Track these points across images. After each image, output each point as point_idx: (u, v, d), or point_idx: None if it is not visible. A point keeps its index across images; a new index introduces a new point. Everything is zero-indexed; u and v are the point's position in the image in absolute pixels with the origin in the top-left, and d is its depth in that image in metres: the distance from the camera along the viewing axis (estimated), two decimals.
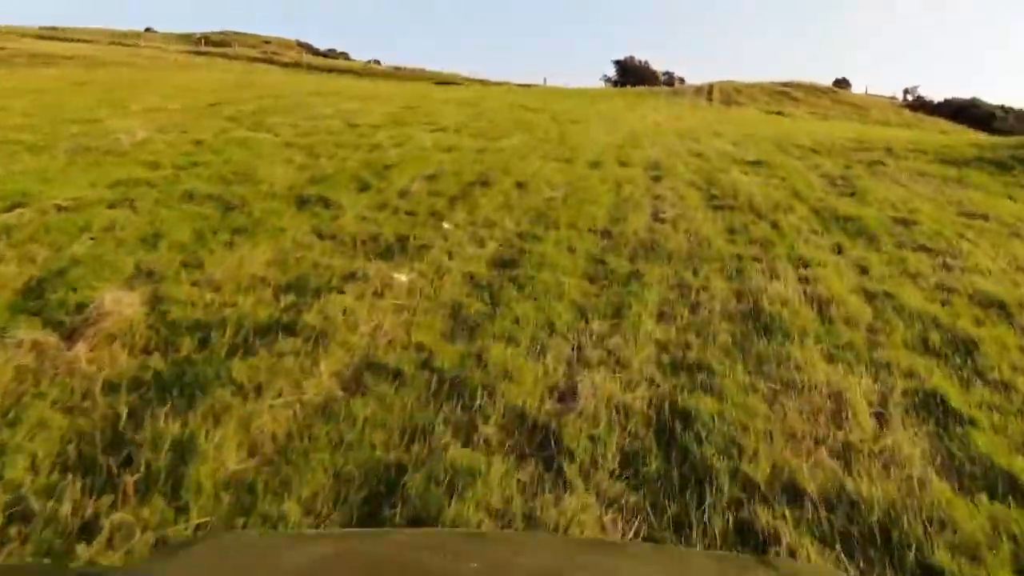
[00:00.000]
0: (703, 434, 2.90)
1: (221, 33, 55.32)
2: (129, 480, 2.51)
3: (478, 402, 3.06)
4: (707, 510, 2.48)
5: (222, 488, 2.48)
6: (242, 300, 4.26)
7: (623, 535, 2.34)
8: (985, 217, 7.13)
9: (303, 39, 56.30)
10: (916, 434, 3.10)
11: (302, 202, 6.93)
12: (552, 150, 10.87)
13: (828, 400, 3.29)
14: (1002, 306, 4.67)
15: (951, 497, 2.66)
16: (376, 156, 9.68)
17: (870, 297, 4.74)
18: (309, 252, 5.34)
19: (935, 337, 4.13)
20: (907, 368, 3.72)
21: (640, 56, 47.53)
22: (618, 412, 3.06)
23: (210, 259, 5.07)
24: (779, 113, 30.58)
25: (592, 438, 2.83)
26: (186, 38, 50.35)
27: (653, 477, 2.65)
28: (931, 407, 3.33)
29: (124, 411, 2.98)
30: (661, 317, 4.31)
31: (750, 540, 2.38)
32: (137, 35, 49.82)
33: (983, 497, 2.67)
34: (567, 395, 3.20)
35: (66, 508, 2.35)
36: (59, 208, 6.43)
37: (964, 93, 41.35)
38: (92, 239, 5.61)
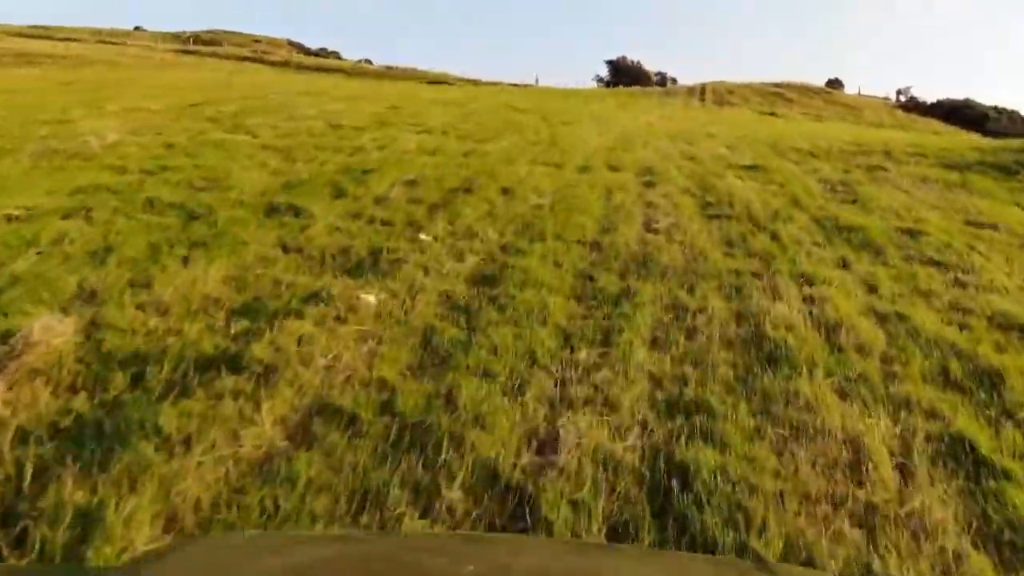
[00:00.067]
0: (704, 496, 2.49)
1: (211, 32, 54.72)
2: (18, 566, 2.08)
3: (443, 456, 2.64)
4: None
5: None
6: (188, 327, 3.82)
7: None
8: (994, 227, 6.76)
9: (296, 39, 55.67)
10: (946, 491, 2.70)
11: (271, 210, 6.49)
12: (541, 153, 10.46)
13: (844, 448, 2.89)
14: (1023, 330, 4.29)
15: None
16: (356, 159, 9.25)
17: (881, 319, 4.34)
18: (271, 268, 4.91)
19: (955, 367, 3.74)
20: (928, 406, 3.33)
21: (633, 56, 47.18)
22: (605, 468, 2.64)
23: (161, 277, 4.62)
24: (772, 114, 30.30)
25: (574, 504, 2.42)
26: (175, 37, 49.72)
27: None
28: (959, 456, 2.94)
29: (30, 469, 2.55)
30: (654, 344, 3.90)
31: None
32: (125, 34, 49.20)
33: None
34: (547, 445, 2.79)
35: None
36: (9, 218, 5.97)
37: (957, 94, 41.14)
38: (39, 254, 5.16)
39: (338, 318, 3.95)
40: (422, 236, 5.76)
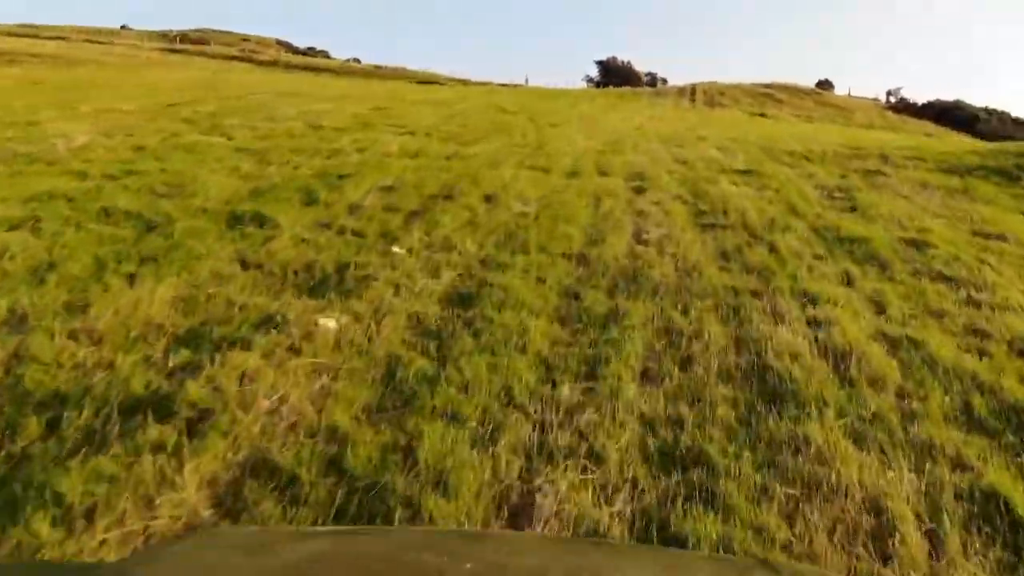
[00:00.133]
0: None
1: (199, 31, 54.05)
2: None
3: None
4: None
5: None
6: (122, 359, 3.39)
7: None
8: (1002, 237, 6.41)
9: (286, 38, 54.90)
10: (982, 565, 2.32)
11: (234, 220, 6.05)
12: (527, 156, 10.04)
13: (865, 511, 2.50)
14: None
15: None
16: (333, 163, 8.81)
17: (893, 346, 3.96)
18: (226, 286, 4.47)
19: (978, 403, 3.36)
20: (954, 452, 2.94)
21: (623, 56, 46.83)
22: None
23: (101, 298, 4.18)
24: (762, 115, 30.05)
25: None
26: (163, 36, 49.02)
27: None
28: (993, 518, 2.55)
29: None
30: (645, 377, 3.50)
31: None
32: (112, 33, 48.46)
33: None
34: (521, 512, 2.38)
35: None
36: None
37: (947, 95, 41.07)
38: None
39: (291, 348, 3.52)
40: (395, 249, 5.34)
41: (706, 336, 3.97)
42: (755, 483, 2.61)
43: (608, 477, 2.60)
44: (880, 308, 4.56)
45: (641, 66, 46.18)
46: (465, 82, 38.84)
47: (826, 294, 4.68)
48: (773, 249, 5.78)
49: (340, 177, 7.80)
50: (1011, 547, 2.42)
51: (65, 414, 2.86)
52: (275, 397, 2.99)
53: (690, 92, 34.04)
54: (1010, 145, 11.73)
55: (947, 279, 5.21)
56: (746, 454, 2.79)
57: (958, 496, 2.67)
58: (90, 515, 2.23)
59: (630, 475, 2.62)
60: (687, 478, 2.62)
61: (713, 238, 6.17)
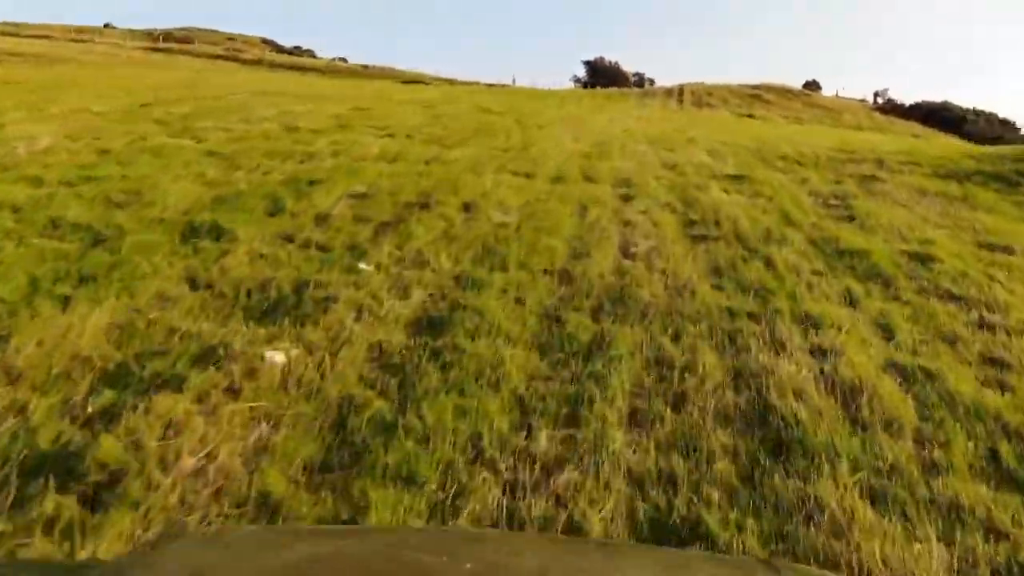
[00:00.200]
0: None
1: (184, 30, 53.20)
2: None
3: None
4: None
5: None
6: (37, 403, 2.95)
7: None
8: (1008, 250, 6.08)
9: (273, 37, 54.05)
10: None
11: (191, 231, 5.60)
12: (511, 161, 9.61)
13: None
14: None
15: None
16: (306, 168, 8.35)
17: (906, 378, 3.59)
18: (169, 311, 4.04)
19: (1006, 451, 3.00)
20: (984, 515, 2.57)
21: (611, 57, 46.51)
22: None
23: (28, 327, 3.73)
24: (750, 116, 29.79)
25: None
26: (147, 35, 48.20)
27: None
28: None
29: None
30: (634, 420, 3.10)
31: None
32: (95, 31, 47.60)
33: None
34: None
35: None
36: None
37: (935, 96, 41.07)
38: None
39: (230, 388, 3.09)
40: (362, 265, 4.91)
41: (700, 368, 3.58)
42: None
43: None
44: (888, 333, 4.19)
45: (629, 66, 45.85)
46: (452, 82, 38.34)
47: (829, 317, 4.30)
48: (769, 264, 5.41)
49: (311, 183, 7.36)
50: None
51: None
52: (202, 454, 2.56)
53: (678, 93, 33.74)
54: (1006, 149, 11.46)
55: (956, 298, 4.86)
56: (749, 523, 2.40)
57: (995, 573, 2.29)
58: None
59: None
60: None
61: (705, 251, 5.79)
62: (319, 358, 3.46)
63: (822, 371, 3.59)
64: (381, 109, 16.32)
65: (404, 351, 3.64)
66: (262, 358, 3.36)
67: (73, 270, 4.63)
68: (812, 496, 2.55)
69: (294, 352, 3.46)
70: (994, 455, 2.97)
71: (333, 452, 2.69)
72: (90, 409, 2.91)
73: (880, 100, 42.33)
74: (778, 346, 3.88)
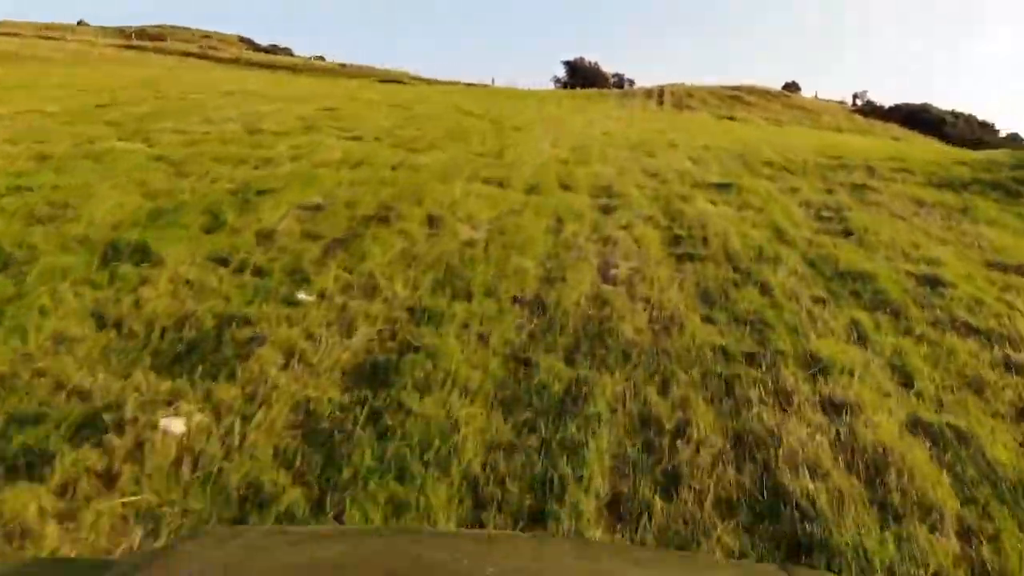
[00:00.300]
0: None
1: (159, 27, 51.75)
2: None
3: None
4: None
5: None
6: None
7: None
8: (1020, 271, 5.58)
9: (251, 35, 52.63)
10: None
11: (113, 252, 4.91)
12: (484, 167, 8.96)
13: None
14: None
15: None
16: (259, 175, 7.65)
17: (935, 442, 3.03)
18: (61, 359, 3.36)
19: None
20: None
21: (590, 57, 45.96)
22: None
23: None
24: (731, 118, 29.43)
25: None
26: (120, 32, 46.79)
27: None
28: None
29: None
30: (614, 511, 2.49)
31: None
32: (67, 28, 46.09)
33: None
34: None
35: None
36: None
37: (914, 98, 41.07)
38: None
39: (106, 473, 2.43)
40: (301, 295, 4.26)
41: (694, 431, 2.99)
42: None
43: None
44: (906, 379, 3.63)
45: (609, 67, 45.32)
46: (430, 81, 37.56)
47: (838, 360, 3.73)
48: (765, 290, 4.84)
49: (259, 193, 6.67)
50: None
51: None
52: None
53: (658, 94, 33.29)
54: (999, 155, 11.05)
55: (974, 331, 4.32)
56: None
57: None
58: None
59: None
60: None
61: (693, 272, 5.22)
62: (228, 425, 2.81)
63: (838, 435, 3.01)
64: (351, 110, 15.58)
65: (336, 412, 3.00)
66: (155, 426, 2.70)
67: None
68: None
69: (197, 417, 2.81)
70: None
71: None
72: None
73: (859, 102, 42.30)
74: (783, 399, 3.30)
